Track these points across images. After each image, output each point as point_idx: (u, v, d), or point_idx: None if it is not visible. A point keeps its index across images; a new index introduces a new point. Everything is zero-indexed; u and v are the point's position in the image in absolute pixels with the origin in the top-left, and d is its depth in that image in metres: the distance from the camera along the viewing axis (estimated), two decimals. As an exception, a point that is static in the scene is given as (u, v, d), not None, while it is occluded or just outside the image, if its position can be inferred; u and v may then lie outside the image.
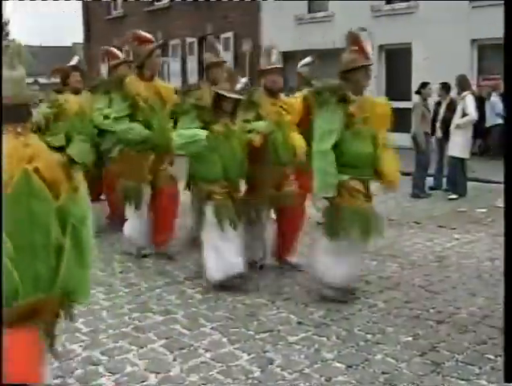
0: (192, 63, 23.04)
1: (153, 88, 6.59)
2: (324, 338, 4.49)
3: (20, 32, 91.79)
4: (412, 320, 4.80)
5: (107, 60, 9.37)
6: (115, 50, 8.75)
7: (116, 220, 7.50)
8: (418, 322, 4.77)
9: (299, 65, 7.93)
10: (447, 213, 8.96)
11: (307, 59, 7.99)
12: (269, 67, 5.95)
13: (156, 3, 25.14)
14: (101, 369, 4.08)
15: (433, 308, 5.06)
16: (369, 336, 4.51)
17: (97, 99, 7.42)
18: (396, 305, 5.12)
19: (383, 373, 3.95)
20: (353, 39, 5.25)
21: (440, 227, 8.01)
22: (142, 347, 4.39)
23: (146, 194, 6.56)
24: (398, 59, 17.43)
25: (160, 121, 6.45)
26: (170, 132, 6.11)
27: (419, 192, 10.26)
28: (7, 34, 67.72)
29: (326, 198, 5.07)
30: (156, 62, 6.62)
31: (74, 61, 8.09)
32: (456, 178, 10.18)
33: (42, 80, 9.40)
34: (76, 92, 7.84)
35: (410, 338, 4.44)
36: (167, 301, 5.36)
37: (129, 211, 6.66)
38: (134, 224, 6.66)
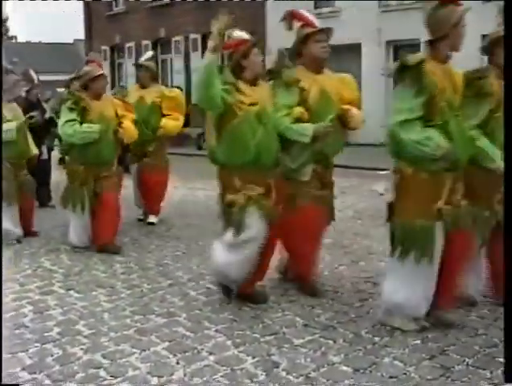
0: (196, 60, 23.04)
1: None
2: (331, 341, 4.48)
3: (21, 29, 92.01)
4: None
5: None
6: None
7: None
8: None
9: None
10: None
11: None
12: None
13: (159, -1, 25.17)
14: (102, 373, 4.07)
15: (442, 310, 5.04)
16: (376, 339, 4.50)
17: None
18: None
19: (391, 377, 3.94)
20: None
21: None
22: (144, 350, 4.39)
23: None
24: (406, 55, 17.39)
25: None
26: None
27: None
28: (7, 30, 68.02)
29: None
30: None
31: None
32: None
33: (43, 78, 9.42)
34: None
35: (418, 341, 4.43)
36: (170, 303, 5.37)
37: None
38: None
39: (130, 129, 7.39)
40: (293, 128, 5.13)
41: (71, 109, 6.90)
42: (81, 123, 6.92)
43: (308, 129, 5.11)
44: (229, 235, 5.00)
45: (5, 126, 7.43)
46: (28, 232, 7.82)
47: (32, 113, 8.53)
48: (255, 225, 4.94)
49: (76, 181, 7.07)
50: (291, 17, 5.58)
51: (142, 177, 8.45)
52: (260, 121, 4.96)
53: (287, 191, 5.23)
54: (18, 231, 7.64)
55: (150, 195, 8.52)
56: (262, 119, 4.97)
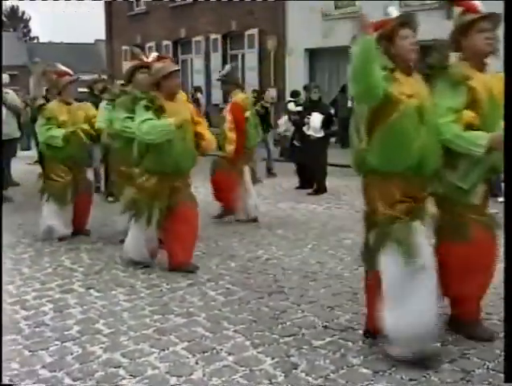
0: (216, 60, 23.09)
1: None
2: (350, 343, 4.47)
3: (43, 29, 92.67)
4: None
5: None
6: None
7: None
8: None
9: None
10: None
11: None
12: None
13: (180, -1, 25.24)
14: (121, 372, 4.09)
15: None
16: (396, 341, 4.47)
17: None
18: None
19: (411, 380, 3.91)
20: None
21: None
22: (163, 350, 4.40)
23: None
24: (427, 56, 17.30)
25: None
26: None
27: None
28: (29, 31, 68.68)
29: None
30: None
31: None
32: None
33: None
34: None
35: (438, 344, 4.39)
36: (190, 303, 5.38)
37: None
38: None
39: (211, 142, 6.59)
40: (464, 136, 4.14)
41: (147, 108, 6.08)
42: None
43: (483, 138, 4.09)
44: (392, 262, 4.04)
45: (52, 132, 7.56)
46: (80, 231, 7.95)
47: None
48: (425, 246, 4.12)
49: (145, 191, 6.23)
50: (449, 2, 4.57)
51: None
52: (422, 119, 4.07)
53: (450, 217, 4.38)
54: (66, 230, 7.79)
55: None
56: (424, 116, 4.07)
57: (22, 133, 13.53)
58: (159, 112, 6.07)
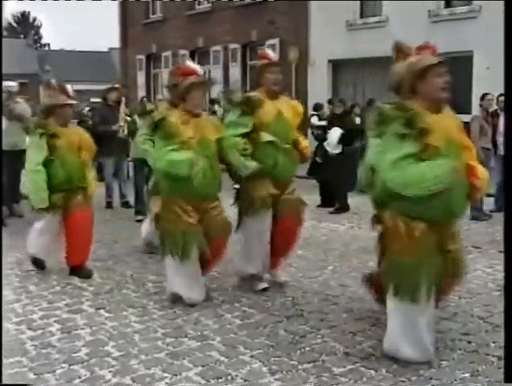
0: (235, 71, 23.21)
1: None
2: (373, 371, 4.44)
3: (58, 37, 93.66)
4: (470, 355, 4.71)
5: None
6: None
7: None
8: (477, 357, 4.67)
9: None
10: (510, 237, 8.79)
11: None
12: None
13: (198, 7, 25.41)
14: (131, 397, 4.10)
15: (494, 342, 4.94)
16: (422, 371, 4.44)
17: None
18: (452, 338, 5.03)
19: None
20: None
21: (502, 252, 7.87)
22: (175, 375, 4.41)
23: None
24: (457, 68, 17.22)
25: None
26: None
27: (478, 214, 10.12)
28: (40, 38, 69.44)
29: None
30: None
31: None
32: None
33: (76, 87, 9.57)
34: None
35: (467, 375, 4.36)
36: (204, 325, 5.38)
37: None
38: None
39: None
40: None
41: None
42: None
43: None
44: None
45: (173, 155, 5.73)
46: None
47: None
48: None
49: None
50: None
51: None
52: None
53: None
54: (197, 296, 6.01)
55: None
56: None
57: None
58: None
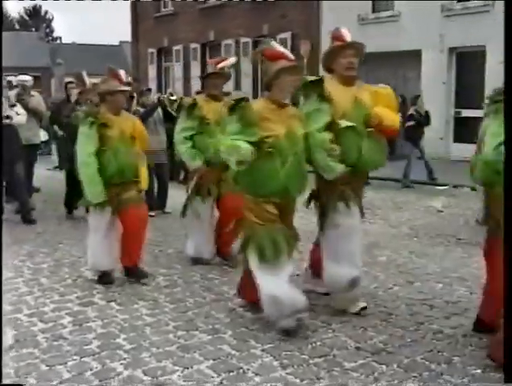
0: (246, 65, 23.17)
1: None
2: (384, 366, 4.43)
3: (70, 31, 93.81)
4: (482, 350, 4.68)
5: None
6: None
7: None
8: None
9: None
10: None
11: None
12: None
13: (209, 0, 25.38)
14: (143, 390, 4.12)
15: (505, 337, 4.95)
16: (433, 366, 4.43)
17: None
18: (464, 333, 5.02)
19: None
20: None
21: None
22: (187, 368, 4.41)
23: None
24: (470, 63, 17.21)
25: None
26: None
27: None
28: (51, 31, 69.58)
29: None
30: None
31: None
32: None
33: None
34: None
35: (479, 371, 4.34)
36: (215, 319, 5.39)
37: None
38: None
39: None
40: None
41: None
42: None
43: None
44: None
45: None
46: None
47: None
48: None
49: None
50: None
51: None
52: None
53: None
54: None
55: None
56: None
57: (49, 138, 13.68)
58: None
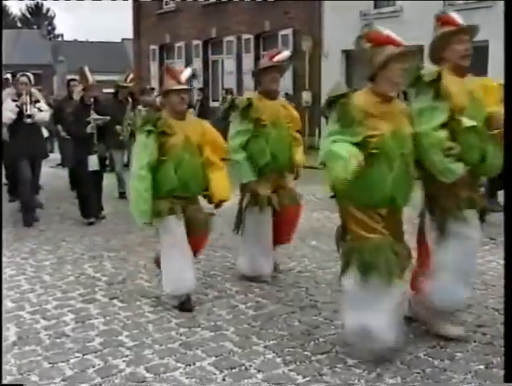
0: (248, 61, 23.13)
1: None
2: (387, 363, 4.42)
3: (71, 28, 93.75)
4: (485, 347, 4.69)
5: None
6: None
7: None
8: (491, 349, 4.65)
9: None
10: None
11: None
12: None
13: (211, -3, 25.35)
14: (145, 387, 4.11)
15: (509, 333, 4.94)
16: (436, 362, 4.43)
17: None
18: (467, 330, 5.00)
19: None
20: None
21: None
22: (189, 365, 4.41)
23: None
24: (472, 58, 17.15)
25: None
26: None
27: (493, 205, 10.06)
28: (53, 28, 69.62)
29: None
30: None
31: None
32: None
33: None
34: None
35: (482, 367, 4.34)
36: (218, 316, 5.39)
37: None
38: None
39: None
40: None
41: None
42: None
43: None
44: None
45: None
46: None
47: (96, 117, 8.71)
48: None
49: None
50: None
51: None
52: None
53: None
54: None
55: None
56: None
57: (50, 135, 13.67)
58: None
